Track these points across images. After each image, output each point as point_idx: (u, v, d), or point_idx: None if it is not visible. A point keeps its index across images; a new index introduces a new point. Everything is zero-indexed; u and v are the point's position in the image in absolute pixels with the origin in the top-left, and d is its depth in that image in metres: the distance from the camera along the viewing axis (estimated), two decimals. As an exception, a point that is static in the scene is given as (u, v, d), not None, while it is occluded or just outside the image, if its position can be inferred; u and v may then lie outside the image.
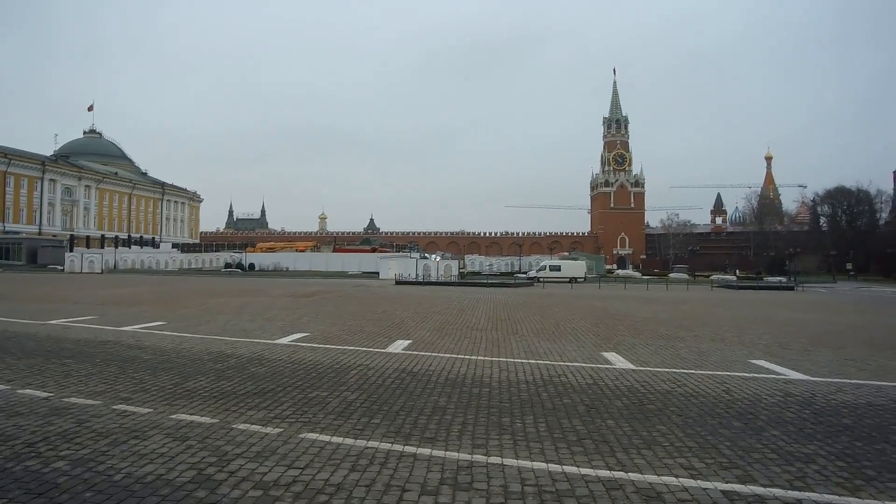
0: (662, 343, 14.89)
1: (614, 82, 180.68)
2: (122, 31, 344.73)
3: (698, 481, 5.41)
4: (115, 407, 7.66)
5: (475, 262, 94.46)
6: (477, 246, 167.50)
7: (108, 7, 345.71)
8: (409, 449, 6.14)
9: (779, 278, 75.81)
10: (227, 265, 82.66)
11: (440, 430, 6.84)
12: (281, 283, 47.31)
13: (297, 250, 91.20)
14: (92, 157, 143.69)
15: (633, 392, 9.17)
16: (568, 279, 64.62)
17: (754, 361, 12.35)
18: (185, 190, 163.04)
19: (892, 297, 43.53)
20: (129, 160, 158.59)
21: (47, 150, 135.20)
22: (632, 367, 11.47)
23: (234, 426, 6.85)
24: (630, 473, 5.57)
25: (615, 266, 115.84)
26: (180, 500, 4.78)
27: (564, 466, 5.72)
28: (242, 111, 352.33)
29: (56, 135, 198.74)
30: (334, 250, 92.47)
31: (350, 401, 8.22)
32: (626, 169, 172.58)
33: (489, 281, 55.74)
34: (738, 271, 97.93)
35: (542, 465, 5.73)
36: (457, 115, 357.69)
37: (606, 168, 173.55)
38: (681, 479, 5.43)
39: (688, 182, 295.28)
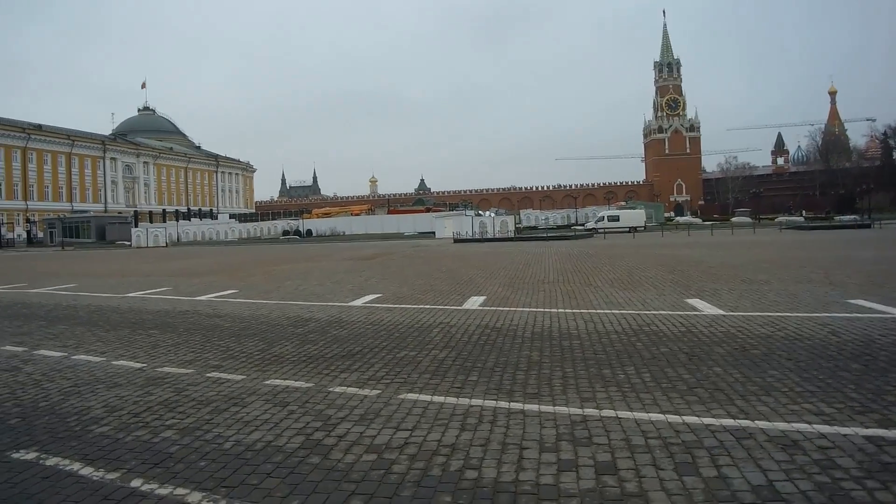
0: (746, 287, 14.40)
1: (664, 24, 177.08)
2: (165, 12, 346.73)
3: (834, 427, 5.02)
4: (208, 375, 7.55)
5: (531, 216, 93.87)
6: (530, 201, 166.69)
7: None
8: (516, 406, 5.87)
9: (851, 217, 74.02)
10: (286, 232, 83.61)
11: (542, 385, 6.56)
12: (340, 248, 47.48)
13: (352, 214, 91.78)
14: (147, 133, 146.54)
15: (732, 338, 8.78)
16: (627, 229, 63.82)
17: (852, 301, 11.78)
18: (238, 161, 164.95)
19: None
20: (183, 134, 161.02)
21: (105, 130, 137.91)
22: (722, 312, 11.03)
23: (330, 389, 6.65)
24: (757, 422, 5.21)
25: (673, 213, 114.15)
26: (294, 466, 4.59)
27: (684, 417, 5.39)
28: (284, 83, 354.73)
29: (113, 114, 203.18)
30: (389, 212, 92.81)
31: (441, 359, 7.99)
32: (680, 114, 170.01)
33: (548, 234, 55.33)
34: (804, 212, 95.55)
35: (660, 417, 5.41)
36: (496, 74, 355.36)
37: (659, 114, 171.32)
38: (814, 426, 5.06)
39: (745, 123, 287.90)
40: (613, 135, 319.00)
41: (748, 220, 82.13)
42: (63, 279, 24.25)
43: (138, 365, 8.32)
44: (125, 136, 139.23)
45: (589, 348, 8.36)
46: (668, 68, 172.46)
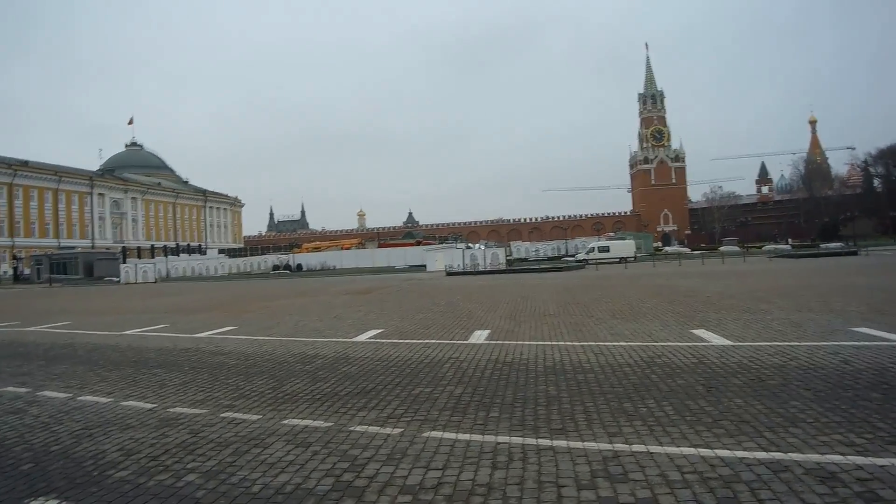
0: (748, 317, 14.40)
1: (647, 57, 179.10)
2: (152, 50, 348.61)
3: (869, 458, 5.01)
4: (222, 415, 7.43)
5: (521, 248, 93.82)
6: (518, 233, 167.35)
7: (132, 25, 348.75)
8: (544, 442, 5.81)
9: (836, 244, 74.54)
10: (276, 267, 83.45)
11: (565, 420, 6.50)
12: (333, 282, 47.26)
13: (342, 248, 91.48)
14: (135, 169, 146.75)
15: (746, 368, 8.75)
16: (618, 259, 63.96)
17: (856, 329, 11.81)
18: (227, 196, 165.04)
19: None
20: (171, 170, 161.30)
21: (93, 166, 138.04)
22: (730, 343, 11.01)
23: (351, 429, 6.56)
24: (790, 454, 5.19)
25: (660, 243, 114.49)
26: (330, 509, 4.51)
27: (716, 450, 5.35)
28: (271, 119, 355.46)
29: (100, 150, 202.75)
30: (379, 246, 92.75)
31: (458, 395, 7.91)
32: (665, 144, 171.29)
33: (540, 266, 55.36)
34: (790, 240, 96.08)
35: (692, 451, 5.37)
36: (475, 107, 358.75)
37: (645, 145, 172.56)
38: (849, 457, 5.04)
39: (729, 153, 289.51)
40: (599, 165, 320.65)
41: (736, 248, 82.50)
42: (56, 317, 24.05)
43: (148, 405, 8.20)
44: (113, 171, 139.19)
45: (605, 382, 8.30)
46: (651, 100, 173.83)
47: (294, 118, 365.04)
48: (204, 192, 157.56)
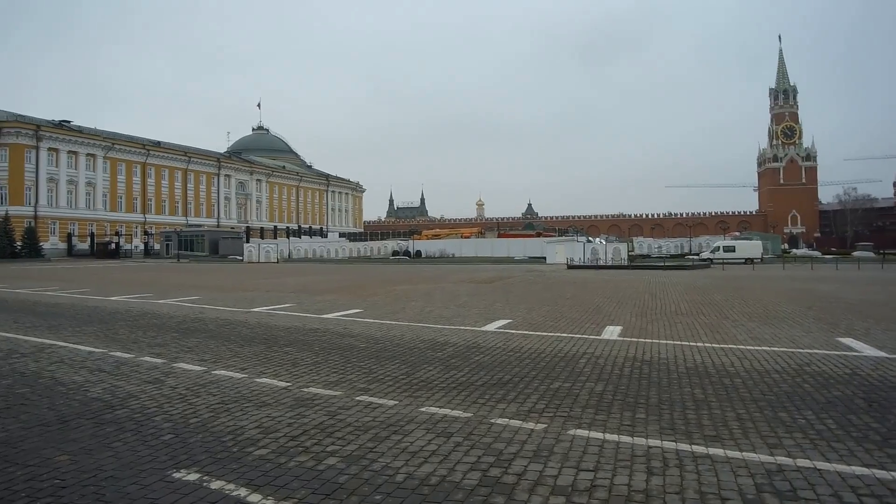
0: (899, 327, 13.55)
1: (780, 50, 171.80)
2: (280, 37, 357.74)
3: None
4: (358, 398, 7.41)
5: (643, 244, 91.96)
6: (640, 228, 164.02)
7: (262, 11, 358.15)
8: (699, 449, 5.51)
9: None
10: (395, 252, 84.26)
11: (718, 427, 6.17)
12: (453, 270, 47.36)
13: (462, 237, 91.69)
14: (261, 152, 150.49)
15: (907, 384, 8.17)
16: (743, 260, 62.00)
17: None
18: (349, 181, 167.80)
19: None
20: (295, 154, 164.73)
21: (221, 148, 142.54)
22: (884, 354, 10.31)
23: (492, 421, 6.41)
24: (980, 485, 4.74)
25: (787, 245, 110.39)
26: (480, 505, 4.35)
27: (893, 473, 4.92)
28: (394, 106, 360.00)
29: (228, 132, 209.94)
30: (499, 236, 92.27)
31: (599, 392, 7.67)
32: (796, 142, 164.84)
33: (665, 264, 54.13)
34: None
35: (865, 471, 4.96)
36: (601, 98, 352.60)
37: (774, 142, 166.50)
38: None
39: (864, 153, 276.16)
40: (723, 162, 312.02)
41: (871, 254, 78.63)
42: (186, 291, 24.94)
43: (283, 384, 8.27)
44: (239, 154, 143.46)
45: (754, 388, 7.89)
46: (783, 95, 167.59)
47: (415, 106, 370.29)
48: (326, 177, 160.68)
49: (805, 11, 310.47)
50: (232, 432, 6.09)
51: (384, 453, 5.45)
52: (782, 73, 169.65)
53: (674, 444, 5.66)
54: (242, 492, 4.63)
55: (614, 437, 5.88)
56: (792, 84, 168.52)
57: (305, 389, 7.92)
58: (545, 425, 6.25)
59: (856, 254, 79.67)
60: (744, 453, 5.40)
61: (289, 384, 8.24)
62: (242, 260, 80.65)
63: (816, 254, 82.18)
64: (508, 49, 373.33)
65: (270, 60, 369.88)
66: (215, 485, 4.77)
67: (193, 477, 4.93)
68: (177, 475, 4.97)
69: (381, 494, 4.56)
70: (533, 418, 6.51)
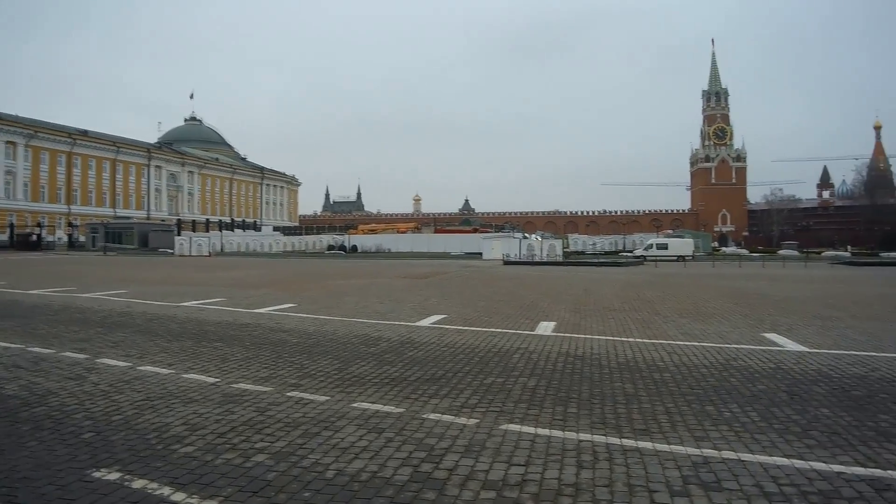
0: (821, 324, 13.95)
1: (713, 53, 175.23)
2: (217, 29, 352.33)
3: (980, 484, 4.74)
4: (289, 394, 7.34)
5: (578, 241, 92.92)
6: (575, 225, 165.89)
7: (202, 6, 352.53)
8: (628, 442, 5.61)
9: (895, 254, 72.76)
10: (331, 247, 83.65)
11: (648, 421, 6.30)
12: (389, 265, 47.26)
13: (398, 232, 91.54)
14: (193, 143, 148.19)
15: (826, 377, 8.44)
16: (675, 257, 63.10)
17: (941, 344, 11.39)
18: (284, 174, 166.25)
19: None
20: (229, 146, 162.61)
21: (151, 139, 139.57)
22: (805, 349, 10.66)
23: (424, 416, 6.43)
24: (889, 471, 4.93)
25: (717, 243, 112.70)
26: (410, 502, 4.36)
27: (810, 462, 5.11)
28: (329, 99, 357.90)
29: (160, 123, 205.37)
30: (435, 231, 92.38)
31: (532, 387, 7.74)
32: (728, 143, 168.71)
33: (599, 260, 54.82)
34: (849, 247, 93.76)
35: (785, 461, 5.13)
36: (531, 100, 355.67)
37: (706, 143, 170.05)
38: (955, 482, 4.78)
39: (791, 156, 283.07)
40: (658, 162, 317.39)
41: (795, 253, 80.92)
42: (112, 285, 24.28)
43: (211, 380, 8.14)
44: (171, 144, 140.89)
45: (682, 382, 8.07)
46: (716, 97, 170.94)
47: (353, 101, 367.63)
48: (261, 170, 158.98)
49: (739, 16, 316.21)
50: (157, 430, 5.96)
51: (314, 450, 5.41)
52: (715, 75, 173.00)
53: (604, 438, 5.75)
54: (166, 490, 4.54)
55: (546, 431, 5.95)
56: (724, 87, 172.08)
57: (235, 385, 7.81)
58: (477, 420, 6.30)
59: (781, 252, 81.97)
60: (671, 446, 5.52)
61: (218, 380, 8.12)
62: (173, 253, 79.17)
63: (744, 252, 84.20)
64: (446, 48, 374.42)
65: (205, 52, 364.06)
66: (137, 484, 4.65)
67: (114, 476, 4.80)
68: (96, 475, 4.83)
69: (311, 491, 4.53)
70: (465, 413, 6.55)
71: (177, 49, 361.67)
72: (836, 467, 5.01)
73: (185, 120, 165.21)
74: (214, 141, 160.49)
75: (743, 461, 5.14)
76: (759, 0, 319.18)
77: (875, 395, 7.48)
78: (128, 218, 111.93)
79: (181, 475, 4.82)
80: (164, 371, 8.67)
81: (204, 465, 5.04)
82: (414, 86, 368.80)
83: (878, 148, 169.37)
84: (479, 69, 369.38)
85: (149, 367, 8.90)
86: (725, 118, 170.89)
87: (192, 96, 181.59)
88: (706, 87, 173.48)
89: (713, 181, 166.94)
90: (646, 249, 67.11)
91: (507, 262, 52.91)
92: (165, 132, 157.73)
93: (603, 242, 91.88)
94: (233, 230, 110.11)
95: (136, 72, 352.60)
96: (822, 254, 78.48)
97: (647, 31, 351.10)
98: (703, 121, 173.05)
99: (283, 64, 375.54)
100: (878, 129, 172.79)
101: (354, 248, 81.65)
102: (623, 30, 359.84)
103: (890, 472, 4.93)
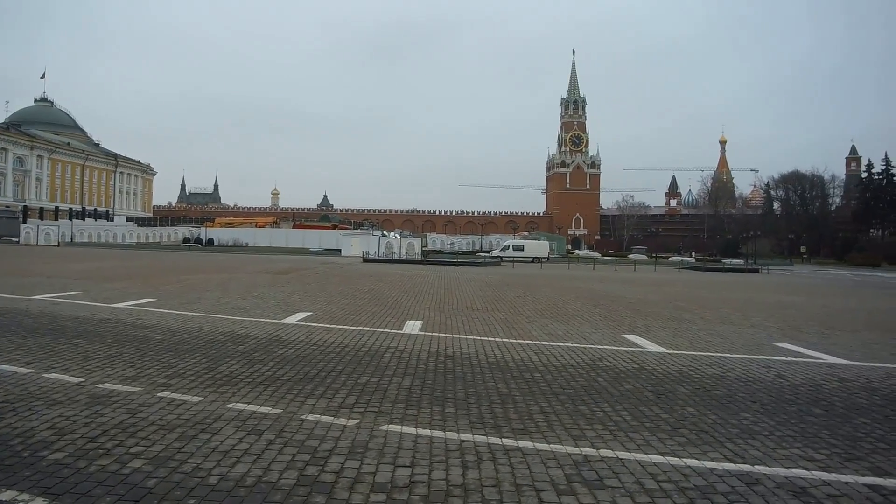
0: (674, 325, 14.67)
1: (573, 63, 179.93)
2: (72, 9, 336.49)
3: (832, 474, 5.11)
4: (160, 395, 7.02)
5: (436, 240, 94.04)
6: (432, 224, 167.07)
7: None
8: (509, 442, 5.69)
9: (735, 260, 77.26)
10: (186, 240, 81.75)
11: (525, 420, 6.41)
12: (248, 260, 46.44)
13: (256, 226, 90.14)
14: (44, 126, 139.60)
15: (687, 377, 8.87)
16: (531, 259, 64.61)
17: (780, 345, 12.24)
18: (139, 162, 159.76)
19: (858, 280, 44.42)
20: (82, 130, 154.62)
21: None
22: (665, 350, 11.18)
23: (303, 417, 6.30)
24: (756, 466, 5.22)
25: (570, 246, 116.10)
26: (302, 507, 4.27)
27: (684, 459, 5.35)
28: (185, 88, 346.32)
29: (7, 102, 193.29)
30: (294, 226, 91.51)
31: (407, 387, 7.75)
32: (583, 150, 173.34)
33: (458, 260, 55.48)
34: (693, 253, 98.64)
35: (661, 459, 5.34)
36: (390, 99, 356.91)
37: (563, 149, 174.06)
38: (813, 472, 5.13)
39: (642, 164, 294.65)
40: (514, 166, 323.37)
41: (644, 257, 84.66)
42: (-48, 275, 22.77)
43: (75, 379, 7.69)
44: (19, 126, 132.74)
45: (553, 382, 8.26)
46: (573, 105, 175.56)
47: (209, 91, 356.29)
48: (115, 157, 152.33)
49: (598, 31, 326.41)
50: (20, 435, 5.56)
51: (193, 453, 5.19)
52: (574, 84, 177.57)
53: (485, 437, 5.81)
54: (38, 502, 4.24)
55: (427, 431, 5.96)
56: (582, 96, 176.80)
57: (101, 385, 7.41)
58: (357, 421, 6.24)
59: (631, 256, 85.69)
60: (551, 445, 5.63)
61: (82, 379, 7.69)
62: (18, 242, 75.31)
63: (597, 255, 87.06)
64: (304, 42, 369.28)
65: (58, 31, 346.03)
66: (5, 496, 4.32)
67: None
68: None
69: (195, 498, 4.33)
70: (344, 414, 6.48)
71: (24, 24, 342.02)
72: (709, 463, 5.25)
73: (36, 101, 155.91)
74: (66, 124, 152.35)
75: (621, 459, 5.31)
76: (621, 17, 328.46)
77: (734, 394, 7.92)
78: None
79: (53, 484, 4.50)
80: (23, 370, 8.12)
81: (77, 473, 4.72)
82: (269, 78, 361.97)
83: (723, 161, 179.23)
84: (337, 66, 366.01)
85: (5, 366, 8.30)
86: (582, 126, 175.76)
87: (43, 76, 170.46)
88: (565, 95, 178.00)
89: (568, 186, 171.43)
90: (503, 250, 68.54)
91: (366, 260, 52.95)
92: (13, 112, 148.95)
93: (461, 242, 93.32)
94: (84, 219, 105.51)
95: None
96: (670, 258, 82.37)
97: (501, 43, 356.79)
98: (561, 127, 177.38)
99: (137, 50, 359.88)
100: (723, 143, 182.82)
101: (211, 242, 79.92)
102: (477, 40, 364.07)
103: (757, 467, 5.21)
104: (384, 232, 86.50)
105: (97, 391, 7.16)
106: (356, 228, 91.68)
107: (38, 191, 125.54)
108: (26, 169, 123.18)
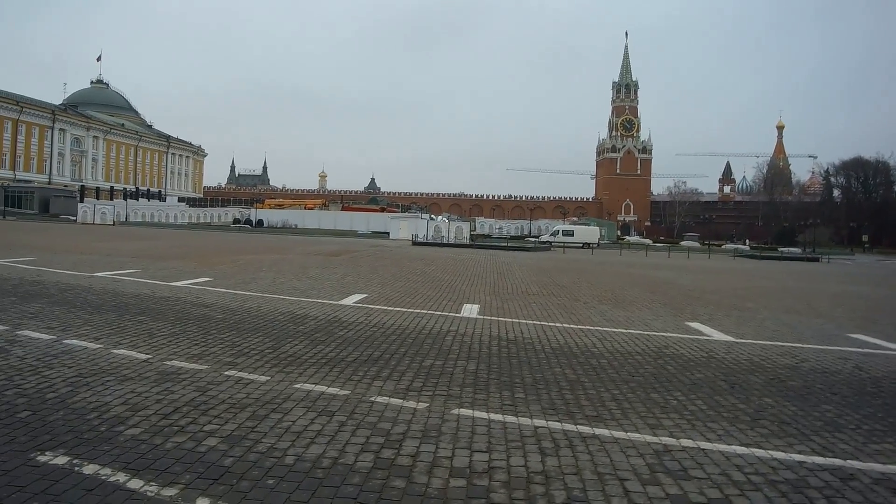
0: (738, 314, 14.32)
1: (626, 46, 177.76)
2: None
3: (938, 472, 4.82)
4: (227, 373, 6.97)
5: (485, 224, 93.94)
6: (480, 209, 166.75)
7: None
8: (585, 429, 5.51)
9: (792, 249, 75.87)
10: (236, 220, 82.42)
11: (598, 408, 6.23)
12: (298, 241, 46.60)
13: (305, 208, 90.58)
14: (99, 107, 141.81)
15: (759, 367, 8.58)
16: (581, 244, 64.14)
17: (854, 336, 11.83)
18: (190, 144, 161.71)
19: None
20: (136, 112, 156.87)
21: (56, 100, 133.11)
22: (732, 339, 10.86)
23: (371, 399, 6.20)
24: (848, 461, 4.98)
25: (619, 232, 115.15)
26: (380, 490, 4.13)
27: (769, 451, 5.12)
28: (237, 72, 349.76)
29: (65, 84, 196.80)
30: (343, 209, 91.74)
31: (472, 371, 7.61)
32: (634, 135, 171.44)
33: (507, 244, 55.28)
34: (748, 241, 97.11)
35: (745, 450, 5.12)
36: (440, 81, 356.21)
37: (614, 133, 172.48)
38: (912, 470, 4.85)
39: (695, 150, 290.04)
40: (564, 150, 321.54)
41: (697, 244, 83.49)
42: (17, 251, 23.17)
43: (142, 356, 7.68)
44: (76, 107, 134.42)
45: (621, 369, 8.06)
46: (625, 89, 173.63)
47: (259, 75, 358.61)
48: (167, 138, 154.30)
49: (657, 12, 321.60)
50: (96, 409, 5.54)
51: (266, 433, 5.11)
52: (626, 68, 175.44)
53: (559, 424, 5.64)
54: (120, 477, 4.17)
55: (499, 416, 5.81)
56: (634, 80, 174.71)
57: (168, 363, 7.38)
58: (427, 404, 6.11)
59: (683, 243, 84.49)
60: (628, 434, 5.45)
61: (149, 356, 7.67)
62: (76, 220, 76.56)
63: (648, 241, 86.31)
64: (345, 25, 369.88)
65: (110, 14, 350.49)
66: (88, 469, 4.27)
67: (61, 461, 4.38)
68: (42, 458, 4.42)
69: (274, 478, 4.24)
70: (413, 397, 6.36)
71: (81, 8, 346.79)
72: (797, 457, 5.02)
73: (92, 82, 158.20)
74: (121, 106, 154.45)
75: (703, 450, 5.11)
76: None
77: (811, 385, 7.63)
78: (28, 182, 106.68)
79: (133, 460, 4.44)
80: (92, 345, 8.15)
81: (155, 450, 4.66)
82: (314, 63, 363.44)
83: (780, 147, 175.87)
84: (375, 53, 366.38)
85: (74, 341, 8.35)
86: (634, 110, 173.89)
87: (99, 58, 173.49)
88: (616, 79, 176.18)
89: (618, 171, 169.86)
90: (552, 235, 68.21)
91: (415, 243, 52.96)
92: (70, 94, 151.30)
93: (509, 227, 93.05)
94: (137, 199, 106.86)
95: (39, 29, 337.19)
96: (723, 246, 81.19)
97: (560, 25, 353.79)
98: (612, 112, 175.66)
99: (189, 34, 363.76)
100: (780, 129, 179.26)
101: (261, 223, 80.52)
102: (525, 23, 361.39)
103: (849, 461, 4.97)
104: (432, 216, 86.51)
105: (165, 368, 7.15)
106: (404, 212, 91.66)
107: (94, 171, 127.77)
108: (83, 149, 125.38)
